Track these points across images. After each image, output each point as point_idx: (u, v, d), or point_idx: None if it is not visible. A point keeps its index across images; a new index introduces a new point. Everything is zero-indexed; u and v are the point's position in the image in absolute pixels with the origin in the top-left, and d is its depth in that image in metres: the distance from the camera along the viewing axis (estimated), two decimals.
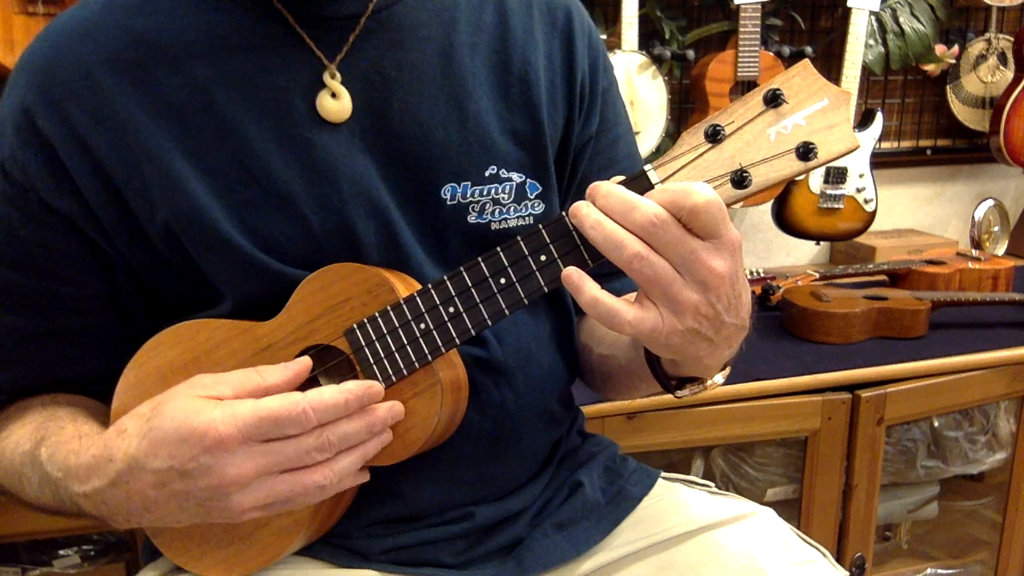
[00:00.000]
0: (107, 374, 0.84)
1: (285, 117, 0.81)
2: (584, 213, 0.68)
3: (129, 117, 0.79)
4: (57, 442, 0.81)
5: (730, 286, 0.69)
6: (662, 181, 0.69)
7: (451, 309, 0.75)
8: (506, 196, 0.87)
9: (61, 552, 1.56)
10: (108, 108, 0.79)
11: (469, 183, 0.86)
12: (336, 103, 0.82)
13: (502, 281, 0.73)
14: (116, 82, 0.79)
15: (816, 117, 0.67)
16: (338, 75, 0.82)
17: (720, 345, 0.72)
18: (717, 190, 0.67)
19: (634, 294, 0.72)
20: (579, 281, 0.69)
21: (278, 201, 0.81)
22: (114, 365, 0.84)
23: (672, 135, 1.97)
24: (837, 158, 0.68)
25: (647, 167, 0.69)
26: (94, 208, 0.80)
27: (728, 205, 0.68)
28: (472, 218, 0.86)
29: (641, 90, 1.89)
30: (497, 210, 0.87)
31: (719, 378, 0.81)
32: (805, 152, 0.67)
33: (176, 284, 0.84)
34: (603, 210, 0.68)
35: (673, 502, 0.97)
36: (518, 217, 0.88)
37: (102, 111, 0.79)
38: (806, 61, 0.68)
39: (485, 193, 0.86)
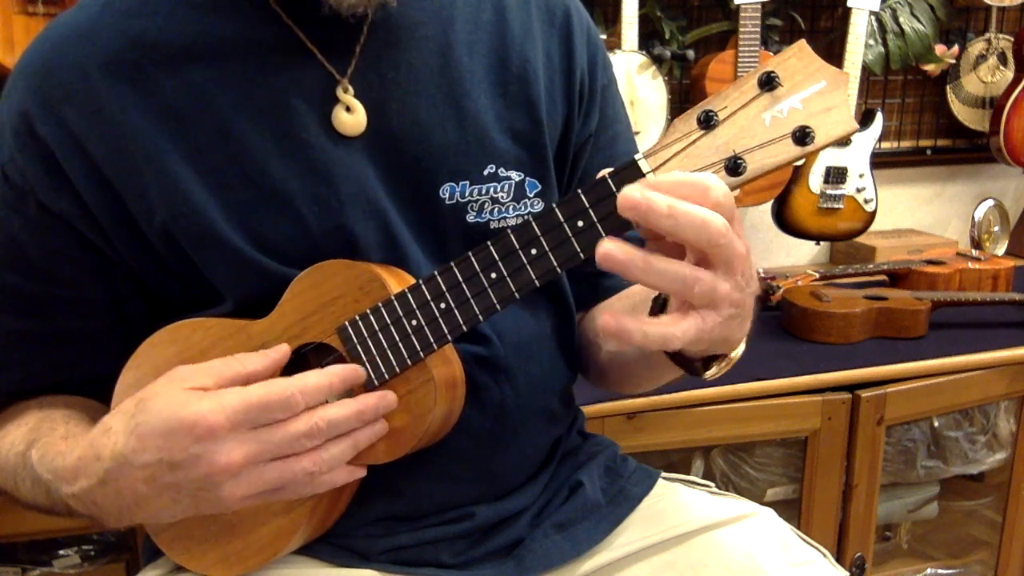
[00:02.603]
0: (107, 376, 0.84)
1: (283, 118, 0.81)
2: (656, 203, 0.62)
3: (127, 119, 0.79)
4: (47, 443, 0.81)
5: (749, 262, 0.67)
6: (654, 170, 0.66)
7: (442, 305, 0.74)
8: (505, 195, 0.87)
9: (61, 552, 1.56)
10: (106, 110, 0.78)
11: (468, 182, 0.85)
12: (352, 117, 0.82)
13: (492, 276, 0.72)
14: (113, 84, 0.79)
15: (813, 100, 0.64)
16: (351, 89, 0.82)
17: (748, 317, 0.71)
18: None
19: (633, 287, 0.70)
20: (618, 327, 0.65)
21: (276, 201, 0.80)
22: (114, 367, 0.84)
23: None
24: (835, 142, 0.65)
25: (637, 156, 0.66)
26: (93, 210, 0.80)
27: None
28: (471, 217, 0.86)
29: (641, 90, 1.89)
30: (496, 209, 0.87)
31: (741, 348, 0.79)
32: (802, 136, 0.64)
33: (175, 285, 0.84)
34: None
35: (673, 502, 0.97)
36: (517, 216, 0.88)
37: (99, 113, 0.78)
38: (802, 42, 0.65)
39: (484, 192, 0.86)
